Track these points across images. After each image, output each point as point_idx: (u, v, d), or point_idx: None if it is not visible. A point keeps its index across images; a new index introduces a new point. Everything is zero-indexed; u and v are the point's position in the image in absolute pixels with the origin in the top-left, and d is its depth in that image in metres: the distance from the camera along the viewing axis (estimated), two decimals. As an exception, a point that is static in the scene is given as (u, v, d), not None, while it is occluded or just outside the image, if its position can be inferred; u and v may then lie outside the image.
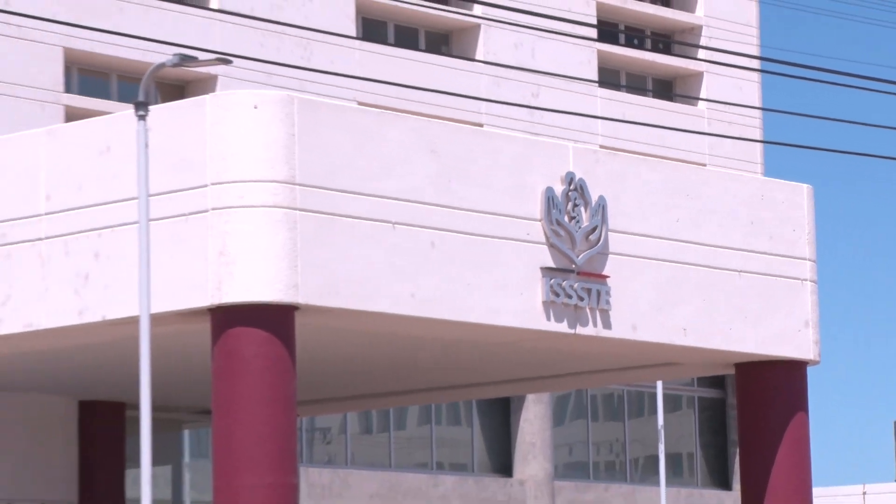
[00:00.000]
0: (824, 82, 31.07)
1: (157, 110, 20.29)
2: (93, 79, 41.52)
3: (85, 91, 40.94)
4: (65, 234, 20.86)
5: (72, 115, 37.85)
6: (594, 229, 22.29)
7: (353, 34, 43.97)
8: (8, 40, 38.27)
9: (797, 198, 25.00)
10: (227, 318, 19.86)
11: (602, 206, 22.42)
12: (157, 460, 20.71)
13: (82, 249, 20.68)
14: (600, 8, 48.84)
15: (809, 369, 25.09)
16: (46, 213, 21.01)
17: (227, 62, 22.87)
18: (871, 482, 60.17)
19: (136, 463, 20.66)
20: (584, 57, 47.74)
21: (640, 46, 51.11)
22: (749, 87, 50.90)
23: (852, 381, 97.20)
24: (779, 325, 24.45)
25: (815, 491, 25.67)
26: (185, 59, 21.31)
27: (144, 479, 20.21)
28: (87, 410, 27.31)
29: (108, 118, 22.04)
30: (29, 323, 21.06)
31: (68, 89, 40.62)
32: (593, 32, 48.07)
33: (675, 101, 50.88)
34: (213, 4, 42.08)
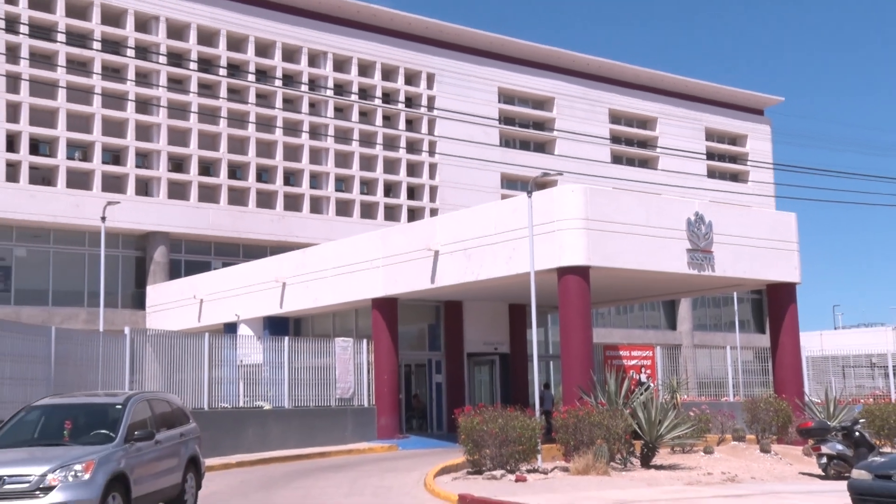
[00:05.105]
0: (804, 173, 28.71)
1: (536, 194, 19.86)
2: (511, 183, 41.48)
3: (508, 188, 40.92)
4: (501, 242, 20.55)
5: (503, 197, 37.91)
6: (707, 233, 20.96)
7: (608, 161, 42.90)
8: (478, 164, 38.55)
9: (789, 219, 22.98)
10: (563, 272, 19.27)
11: (710, 224, 21.02)
12: (539, 325, 20.39)
13: (506, 248, 20.39)
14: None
15: (797, 287, 23.16)
16: (494, 234, 20.78)
17: (560, 174, 22.34)
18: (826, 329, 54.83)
19: (529, 325, 20.43)
20: (698, 169, 45.55)
21: (723, 161, 48.39)
22: (768, 175, 47.89)
23: (818, 292, 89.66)
24: (783, 269, 22.53)
25: (803, 335, 23.58)
26: (545, 175, 20.81)
27: (534, 334, 19.90)
28: (512, 308, 27.05)
29: (516, 198, 21.56)
30: (490, 274, 20.85)
31: (502, 187, 40.75)
32: (703, 165, 45.64)
33: (738, 182, 48.21)
34: (556, 152, 41.71)
